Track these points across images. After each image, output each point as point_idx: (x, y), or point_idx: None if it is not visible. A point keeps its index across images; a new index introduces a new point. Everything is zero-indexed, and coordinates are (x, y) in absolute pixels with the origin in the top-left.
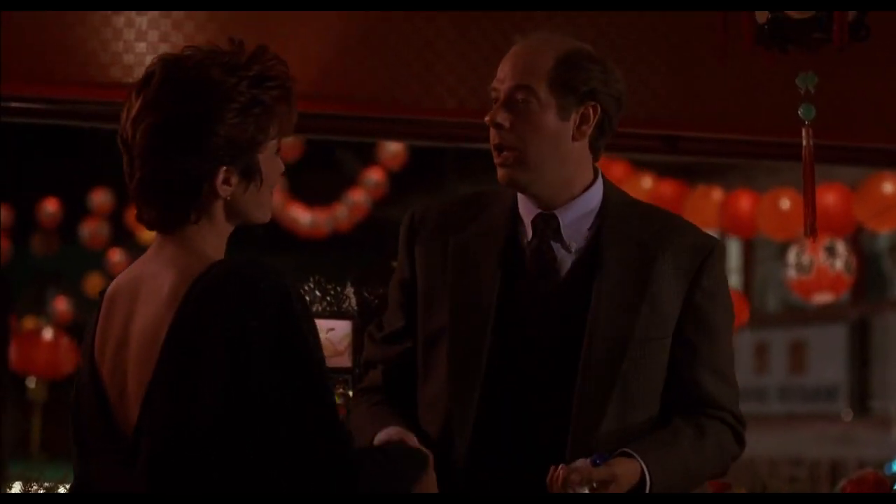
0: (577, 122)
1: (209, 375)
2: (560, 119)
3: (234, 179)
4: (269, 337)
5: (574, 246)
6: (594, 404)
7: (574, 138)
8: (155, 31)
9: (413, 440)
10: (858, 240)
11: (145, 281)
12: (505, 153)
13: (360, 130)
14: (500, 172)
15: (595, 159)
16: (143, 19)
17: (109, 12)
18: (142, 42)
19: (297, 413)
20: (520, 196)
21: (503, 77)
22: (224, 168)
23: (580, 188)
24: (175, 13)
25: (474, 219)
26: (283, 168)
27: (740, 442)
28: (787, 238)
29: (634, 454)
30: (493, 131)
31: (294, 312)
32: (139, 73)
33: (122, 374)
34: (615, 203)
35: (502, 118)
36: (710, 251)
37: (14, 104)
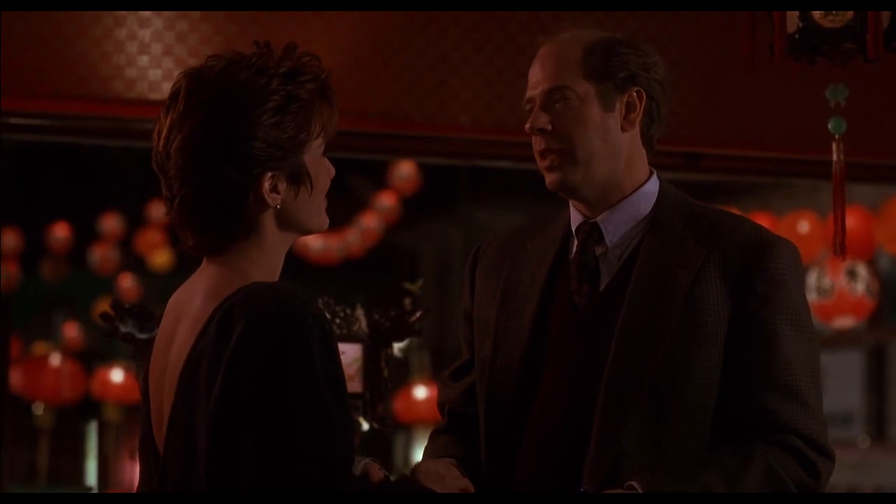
0: (624, 111)
1: (205, 407)
2: (604, 110)
3: (282, 186)
4: (268, 368)
5: (620, 254)
6: (615, 418)
7: (623, 129)
8: (158, 44)
9: (447, 474)
10: (875, 263)
11: (185, 303)
12: (551, 156)
13: (371, 148)
14: (549, 178)
15: (650, 153)
16: (146, 32)
17: (112, 24)
18: (144, 55)
19: (291, 449)
20: (571, 207)
21: (535, 82)
22: (270, 174)
23: (631, 187)
24: (179, 25)
25: (533, 240)
26: (332, 171)
27: (811, 471)
28: (804, 262)
29: (636, 486)
30: (536, 138)
31: (304, 345)
32: (142, 87)
33: (159, 398)
34: (668, 205)
35: (543, 122)
36: (765, 250)
37: (12, 120)
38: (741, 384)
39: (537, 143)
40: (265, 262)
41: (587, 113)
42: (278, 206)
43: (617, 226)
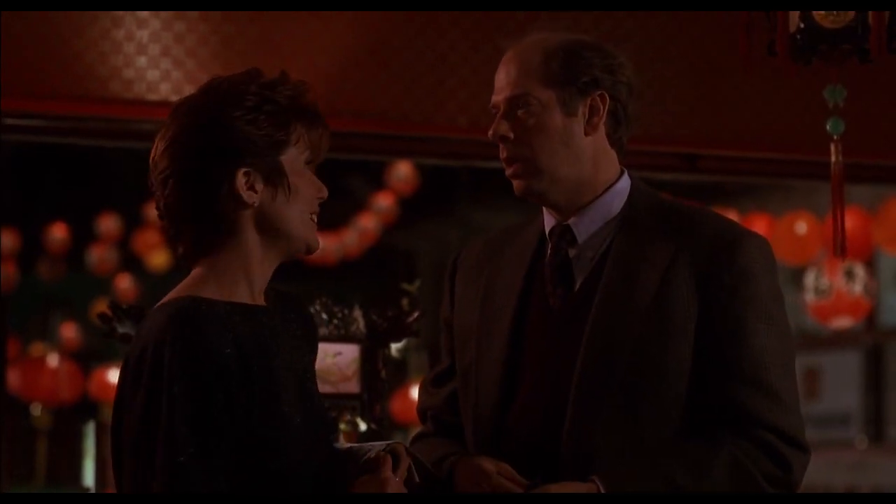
0: (587, 115)
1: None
2: (566, 115)
3: (258, 185)
4: (136, 380)
5: (592, 254)
6: (586, 417)
7: (586, 133)
8: (156, 45)
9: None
10: (873, 264)
11: None
12: (515, 164)
13: (369, 148)
14: (515, 185)
15: (619, 153)
16: (143, 32)
17: (109, 25)
18: (142, 56)
19: (141, 459)
20: (545, 211)
21: (499, 88)
22: (244, 170)
23: (601, 187)
24: (177, 26)
25: (509, 245)
26: (322, 190)
27: (782, 464)
28: (802, 262)
29: (596, 479)
30: (500, 146)
31: (162, 364)
32: (139, 88)
33: None
34: (640, 203)
35: (504, 129)
36: (733, 243)
37: (10, 120)
38: (712, 379)
39: (501, 151)
40: (242, 269)
41: (549, 120)
42: (255, 205)
43: (588, 226)
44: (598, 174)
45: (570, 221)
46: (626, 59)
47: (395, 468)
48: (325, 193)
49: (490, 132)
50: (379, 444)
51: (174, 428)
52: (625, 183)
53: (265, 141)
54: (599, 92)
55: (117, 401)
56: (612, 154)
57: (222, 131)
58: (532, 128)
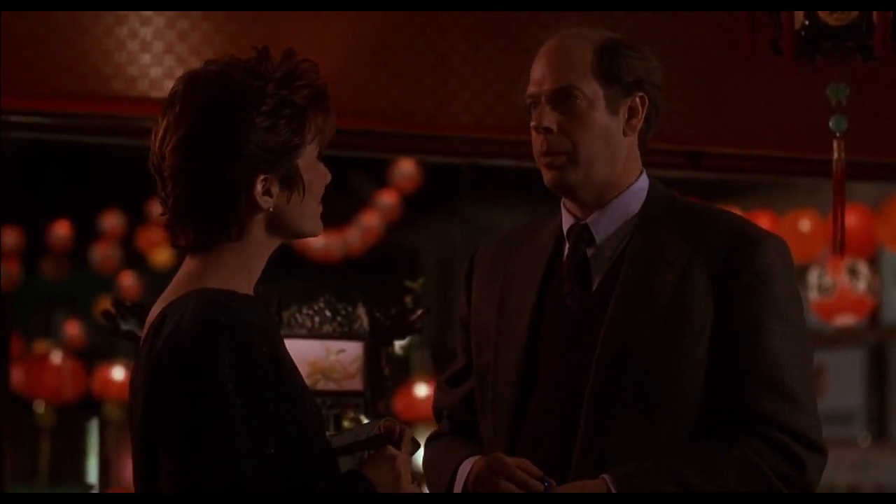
0: (627, 115)
1: (135, 414)
2: (610, 113)
3: (274, 189)
4: (177, 383)
5: (610, 254)
6: (601, 417)
7: (625, 133)
8: (160, 42)
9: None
10: (876, 262)
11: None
12: (554, 156)
13: (373, 146)
14: (549, 175)
15: (643, 154)
16: (147, 30)
17: (113, 22)
18: (146, 53)
19: (192, 466)
20: (563, 209)
21: (540, 79)
22: (262, 177)
23: (622, 187)
24: (180, 24)
25: (526, 244)
26: (328, 176)
27: (795, 463)
28: (806, 260)
29: (606, 478)
30: (539, 137)
31: (212, 363)
32: (143, 85)
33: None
34: (657, 203)
35: (549, 121)
36: (751, 244)
37: (13, 118)
38: (728, 380)
39: (539, 142)
40: (243, 265)
41: (593, 115)
42: (270, 210)
43: (606, 226)
44: (624, 175)
45: (589, 220)
46: (658, 62)
47: (397, 445)
48: (329, 178)
49: (532, 122)
50: (369, 425)
51: (231, 423)
52: (643, 183)
53: (283, 147)
54: (640, 93)
55: (147, 400)
56: (638, 155)
57: (240, 137)
58: (576, 121)
